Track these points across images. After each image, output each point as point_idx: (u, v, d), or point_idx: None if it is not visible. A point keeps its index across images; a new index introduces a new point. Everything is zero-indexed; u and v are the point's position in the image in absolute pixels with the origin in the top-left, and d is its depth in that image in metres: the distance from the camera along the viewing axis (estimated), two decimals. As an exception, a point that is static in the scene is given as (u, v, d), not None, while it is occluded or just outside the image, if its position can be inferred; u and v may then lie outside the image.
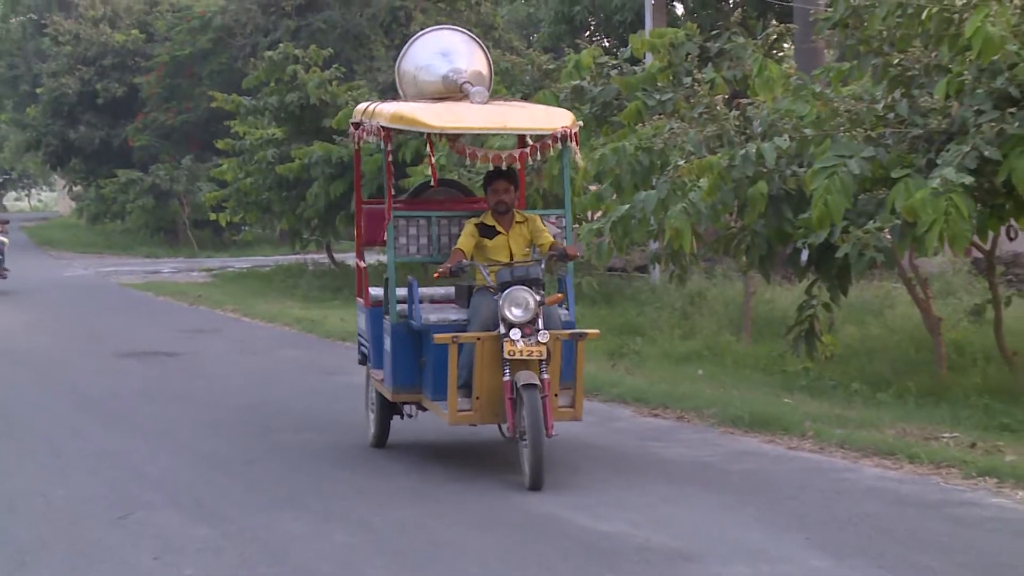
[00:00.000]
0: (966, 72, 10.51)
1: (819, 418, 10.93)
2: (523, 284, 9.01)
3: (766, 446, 10.43)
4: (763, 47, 15.41)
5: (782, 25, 16.33)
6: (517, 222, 9.77)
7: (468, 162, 10.92)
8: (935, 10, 10.59)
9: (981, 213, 10.67)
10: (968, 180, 9.81)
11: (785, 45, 18.54)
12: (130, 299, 26.72)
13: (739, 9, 23.85)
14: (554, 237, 9.92)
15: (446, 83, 9.86)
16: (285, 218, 27.82)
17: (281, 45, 29.12)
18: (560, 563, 7.08)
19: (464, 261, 9.42)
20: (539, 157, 9.88)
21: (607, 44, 31.96)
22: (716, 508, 8.36)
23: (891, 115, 11.07)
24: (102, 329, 20.39)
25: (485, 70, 10.08)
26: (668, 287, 17.63)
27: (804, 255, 12.12)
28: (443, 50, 10.10)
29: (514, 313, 8.84)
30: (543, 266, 9.37)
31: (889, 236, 10.43)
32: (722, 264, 19.17)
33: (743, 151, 11.71)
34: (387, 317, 9.86)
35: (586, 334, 9.30)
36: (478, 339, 8.98)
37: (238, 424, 11.77)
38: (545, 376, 8.82)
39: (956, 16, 10.46)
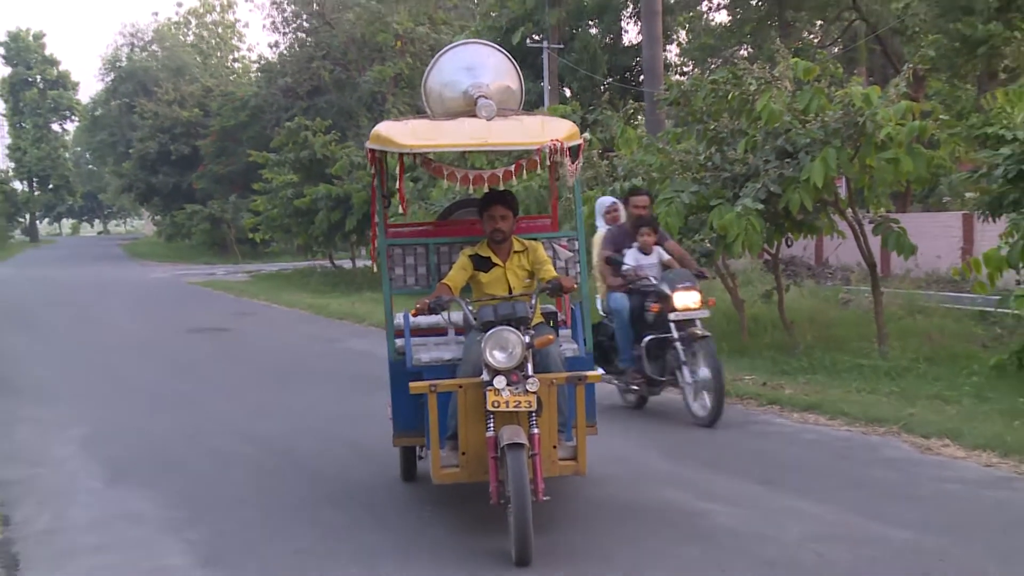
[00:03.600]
0: (758, 135, 10.60)
1: (663, 367, 10.97)
2: (508, 323, 5.47)
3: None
4: (624, 118, 15.52)
5: (637, 103, 16.45)
6: (515, 251, 6.16)
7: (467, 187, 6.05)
8: (737, 93, 10.69)
9: (769, 229, 10.76)
10: (760, 207, 9.90)
11: (639, 116, 18.58)
12: (195, 293, 26.34)
13: (607, 92, 23.94)
14: (565, 262, 6.53)
15: (466, 98, 6.18)
16: (300, 236, 27.63)
17: (296, 118, 29.08)
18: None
19: (445, 297, 5.79)
20: (524, 175, 5.72)
21: (519, 117, 31.87)
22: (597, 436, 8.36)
23: (709, 163, 11.13)
24: (177, 313, 20.07)
25: (514, 84, 6.45)
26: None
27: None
28: (468, 64, 6.39)
29: (497, 358, 5.34)
30: (534, 301, 5.76)
31: (709, 244, 10.51)
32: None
33: (611, 188, 11.78)
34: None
35: (585, 376, 5.51)
36: (459, 387, 5.49)
37: (271, 378, 11.63)
38: (535, 431, 5.31)
39: (751, 97, 10.54)
